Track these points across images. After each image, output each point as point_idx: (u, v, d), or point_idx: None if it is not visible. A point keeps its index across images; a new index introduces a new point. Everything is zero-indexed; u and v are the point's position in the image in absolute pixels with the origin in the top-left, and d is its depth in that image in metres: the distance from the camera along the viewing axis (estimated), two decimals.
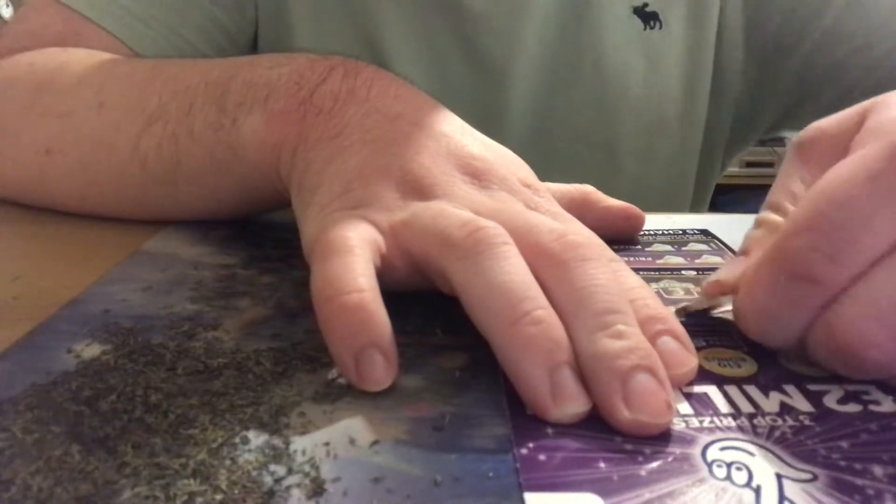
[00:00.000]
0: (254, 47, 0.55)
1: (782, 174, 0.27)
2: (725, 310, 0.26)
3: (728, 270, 0.25)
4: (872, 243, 0.20)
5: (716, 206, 0.69)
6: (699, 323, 0.26)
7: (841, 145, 0.24)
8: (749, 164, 2.05)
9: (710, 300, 0.26)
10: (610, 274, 0.22)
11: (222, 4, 0.52)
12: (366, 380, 0.21)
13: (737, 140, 0.62)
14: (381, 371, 0.21)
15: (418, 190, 0.26)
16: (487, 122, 0.53)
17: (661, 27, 0.54)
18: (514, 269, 0.22)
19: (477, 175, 0.27)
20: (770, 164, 2.03)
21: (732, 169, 2.00)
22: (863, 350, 0.20)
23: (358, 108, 0.29)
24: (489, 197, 0.26)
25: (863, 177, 0.20)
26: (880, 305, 0.20)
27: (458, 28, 0.53)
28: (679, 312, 0.26)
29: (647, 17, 0.55)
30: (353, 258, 0.23)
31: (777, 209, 0.26)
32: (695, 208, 0.62)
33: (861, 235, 0.20)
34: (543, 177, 0.32)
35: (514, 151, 0.31)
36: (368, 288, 0.22)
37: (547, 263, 0.23)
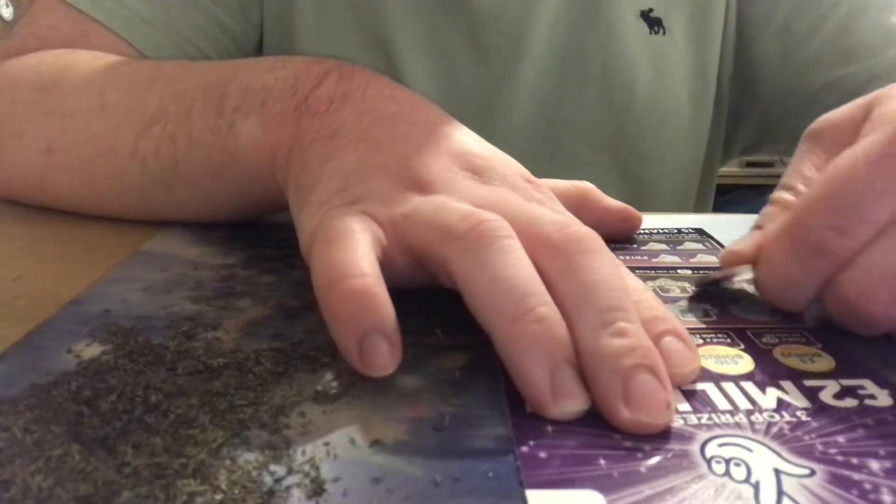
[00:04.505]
0: (259, 50, 0.56)
1: (795, 160, 0.29)
2: (744, 278, 0.28)
3: (744, 242, 0.28)
4: (877, 218, 0.23)
5: (716, 206, 0.69)
6: (698, 320, 0.26)
7: (848, 134, 0.27)
8: (749, 164, 2.04)
9: (727, 269, 0.28)
10: (612, 268, 0.22)
11: (227, 8, 0.52)
12: (370, 365, 0.21)
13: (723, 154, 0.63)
14: (384, 356, 0.21)
15: (418, 185, 0.26)
16: (495, 121, 0.54)
17: (664, 33, 0.55)
18: (518, 264, 0.22)
19: (477, 171, 0.27)
20: (770, 164, 2.02)
21: (732, 169, 1.99)
22: (868, 308, 0.23)
23: (353, 108, 0.29)
24: (490, 192, 0.26)
25: (868, 161, 0.23)
26: (883, 269, 0.23)
27: (468, 28, 0.53)
28: (701, 281, 0.29)
29: (652, 22, 0.55)
30: (354, 243, 0.23)
31: (790, 189, 0.28)
32: (697, 212, 0.63)
33: (867, 212, 0.23)
34: (548, 177, 0.32)
35: (521, 151, 0.31)
36: (371, 272, 0.22)
37: (549, 255, 0.23)
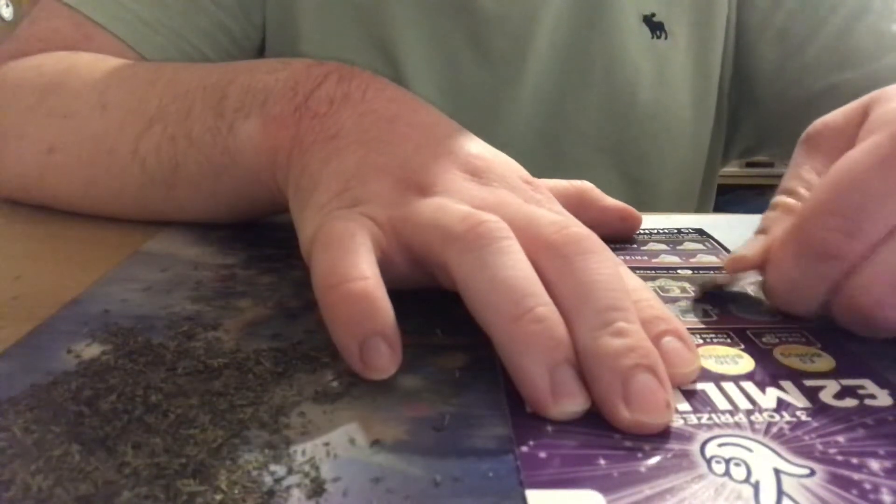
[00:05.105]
0: (261, 53, 0.56)
1: (793, 165, 0.29)
2: (750, 282, 0.28)
3: (749, 247, 0.27)
4: (883, 219, 0.22)
5: (716, 206, 0.69)
6: (698, 320, 0.26)
7: (846, 137, 0.27)
8: (749, 164, 2.04)
9: (732, 275, 0.28)
10: (611, 268, 0.22)
11: (229, 10, 0.52)
12: (370, 368, 0.21)
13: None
14: (385, 359, 0.21)
15: (417, 186, 0.26)
16: (497, 123, 0.54)
17: (666, 37, 0.55)
18: (517, 265, 0.22)
19: (476, 172, 0.27)
20: (770, 164, 2.02)
21: (732, 169, 1.99)
22: (878, 312, 0.23)
23: (353, 110, 0.29)
24: (489, 193, 0.26)
25: (873, 162, 0.23)
26: (893, 272, 0.22)
27: (471, 30, 0.53)
28: (706, 285, 0.29)
29: (654, 27, 0.55)
30: (354, 246, 0.23)
31: (791, 193, 0.28)
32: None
33: (874, 214, 0.22)
34: (550, 178, 0.32)
35: (523, 153, 0.31)
36: (372, 275, 0.22)
37: (548, 256, 0.23)
